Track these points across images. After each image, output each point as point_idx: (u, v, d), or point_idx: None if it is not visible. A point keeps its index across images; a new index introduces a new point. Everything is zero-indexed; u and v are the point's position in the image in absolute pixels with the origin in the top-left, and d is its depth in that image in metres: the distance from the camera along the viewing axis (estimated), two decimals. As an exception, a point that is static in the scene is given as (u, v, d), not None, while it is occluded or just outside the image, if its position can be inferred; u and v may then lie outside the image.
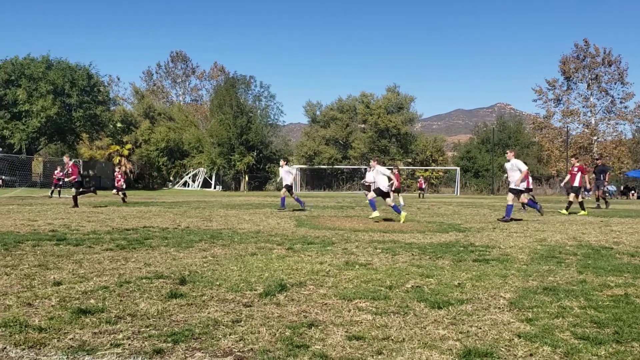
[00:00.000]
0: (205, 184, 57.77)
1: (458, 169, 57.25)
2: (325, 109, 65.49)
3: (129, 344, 3.52)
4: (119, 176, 23.95)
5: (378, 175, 13.60)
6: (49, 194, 28.92)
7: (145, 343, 3.55)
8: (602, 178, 21.69)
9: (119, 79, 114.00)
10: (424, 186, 41.32)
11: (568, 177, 18.44)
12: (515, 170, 13.86)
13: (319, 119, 64.99)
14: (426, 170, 59.98)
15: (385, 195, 13.50)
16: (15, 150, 44.16)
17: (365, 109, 61.39)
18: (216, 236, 9.45)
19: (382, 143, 60.22)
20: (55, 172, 31.19)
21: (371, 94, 63.11)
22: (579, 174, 17.81)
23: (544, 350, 3.56)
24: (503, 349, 3.58)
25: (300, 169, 60.42)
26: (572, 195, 18.05)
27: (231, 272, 6.04)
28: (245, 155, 55.22)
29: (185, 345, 3.53)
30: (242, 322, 4.07)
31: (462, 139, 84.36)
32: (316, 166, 60.62)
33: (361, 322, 4.13)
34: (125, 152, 59.45)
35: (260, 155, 58.52)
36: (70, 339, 3.59)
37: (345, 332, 3.88)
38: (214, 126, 56.60)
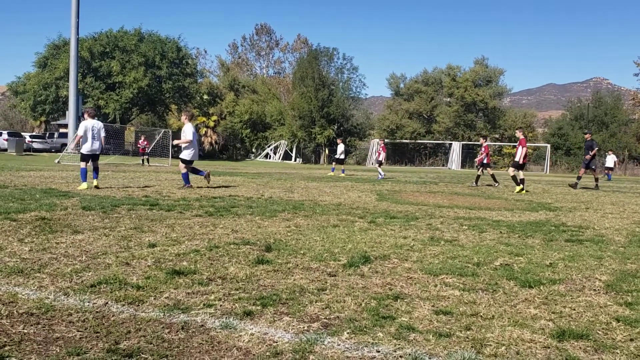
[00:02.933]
0: (286, 156, 58.62)
1: (548, 146, 54.63)
2: (409, 81, 64.24)
3: (221, 305, 3.65)
4: None
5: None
6: (141, 163, 30.41)
7: (236, 305, 3.66)
8: (589, 154, 19.24)
9: (206, 51, 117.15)
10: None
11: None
12: (184, 134, 13.12)
13: (402, 91, 63.90)
14: (514, 146, 57.81)
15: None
16: (109, 119, 46.62)
17: (451, 82, 59.65)
18: (298, 207, 9.57)
19: (468, 117, 58.49)
20: (139, 141, 32.66)
21: (458, 67, 61.21)
22: (520, 147, 16.15)
23: (646, 336, 3.35)
24: (600, 332, 3.40)
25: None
26: (511, 169, 16.46)
27: (314, 242, 6.11)
28: (326, 129, 55.39)
29: (274, 309, 3.61)
30: (328, 290, 4.11)
31: (553, 114, 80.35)
32: (398, 140, 59.91)
33: (448, 298, 4.06)
34: (211, 124, 61.31)
35: (341, 128, 58.48)
36: (165, 298, 3.77)
37: (432, 306, 3.82)
38: (295, 99, 57.05)
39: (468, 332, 3.32)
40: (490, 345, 3.12)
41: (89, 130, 11.88)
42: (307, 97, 55.24)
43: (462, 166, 53.52)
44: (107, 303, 3.60)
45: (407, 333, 3.26)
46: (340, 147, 26.27)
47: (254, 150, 63.51)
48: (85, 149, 11.95)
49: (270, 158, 58.66)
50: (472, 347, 3.08)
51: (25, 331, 3.05)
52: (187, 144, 13.03)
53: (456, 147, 55.14)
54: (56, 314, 3.35)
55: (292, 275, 4.52)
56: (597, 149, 19.53)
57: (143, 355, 2.78)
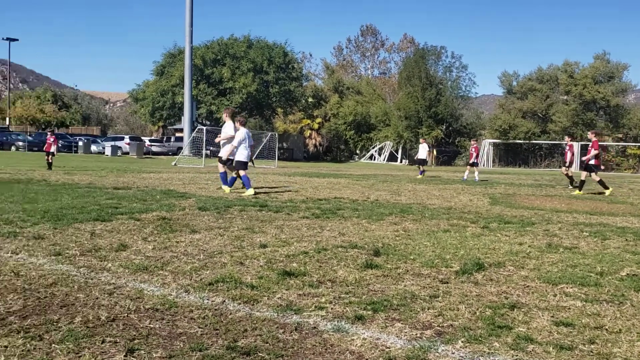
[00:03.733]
0: (392, 157, 58.24)
1: (680, 146, 50.07)
2: (522, 79, 61.50)
3: (332, 308, 3.68)
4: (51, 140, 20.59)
5: None
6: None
7: (347, 309, 3.68)
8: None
9: (311, 55, 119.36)
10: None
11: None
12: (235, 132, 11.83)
13: (515, 90, 61.30)
14: (639, 147, 53.48)
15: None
16: (221, 124, 48.76)
17: (568, 78, 56.33)
18: (406, 210, 9.45)
19: (587, 116, 54.88)
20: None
21: (576, 63, 57.70)
22: (592, 150, 15.35)
23: None
24: None
25: (494, 143, 57.91)
26: (591, 174, 15.40)
27: (424, 247, 6.00)
28: (434, 129, 54.37)
29: (385, 314, 3.58)
30: (440, 297, 4.02)
31: (685, 111, 73.32)
32: (511, 141, 57.51)
33: (569, 308, 3.82)
34: (315, 126, 62.32)
35: (450, 128, 57.20)
36: (278, 298, 3.86)
37: (551, 317, 3.62)
38: (401, 99, 56.53)
39: (592, 346, 3.10)
40: (620, 362, 2.90)
41: (245, 139, 11.76)
42: (414, 97, 54.56)
43: (581, 168, 50.40)
44: (224, 301, 3.75)
45: (525, 344, 3.11)
46: (423, 148, 25.06)
47: (358, 151, 63.72)
48: (243, 156, 11.80)
49: (374, 159, 58.57)
50: (599, 363, 2.88)
51: (152, 326, 3.25)
52: (237, 145, 11.89)
53: (575, 148, 51.99)
54: (178, 310, 3.55)
55: (403, 281, 4.46)
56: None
57: (260, 354, 2.87)
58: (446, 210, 9.71)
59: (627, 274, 4.91)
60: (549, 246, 6.24)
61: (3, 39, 60.87)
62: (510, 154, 58.86)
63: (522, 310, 3.76)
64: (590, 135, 16.12)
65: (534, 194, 14.69)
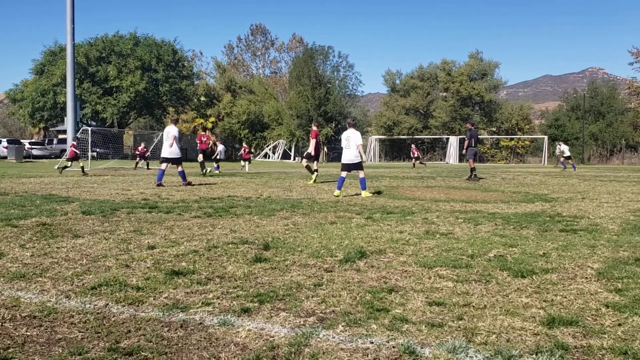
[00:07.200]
0: (285, 155, 58.68)
1: (545, 137, 54.73)
2: (405, 77, 64.33)
3: (219, 303, 3.73)
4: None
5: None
6: (134, 167, 29.92)
7: (234, 302, 3.75)
8: (472, 144, 18.38)
9: (201, 53, 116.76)
10: (416, 154, 37.49)
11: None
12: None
13: (398, 88, 63.99)
14: (511, 139, 57.87)
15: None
16: (107, 124, 46.69)
17: (446, 76, 59.72)
18: (296, 205, 9.65)
19: (464, 111, 58.54)
20: (139, 147, 32.18)
21: (453, 61, 61.26)
22: (312, 140, 16.34)
23: (633, 320, 3.44)
24: (589, 318, 3.49)
25: (379, 139, 60.06)
26: (304, 160, 16.85)
27: (312, 239, 6.19)
28: (324, 127, 55.46)
29: (271, 305, 3.70)
30: (324, 286, 4.20)
31: (550, 106, 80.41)
32: (395, 137, 60.00)
33: (442, 289, 4.14)
34: (209, 125, 61.37)
35: (339, 126, 58.61)
36: (165, 298, 3.85)
37: (426, 298, 3.91)
38: (292, 98, 57.14)
39: (460, 322, 3.40)
40: (481, 333, 3.20)
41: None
42: (304, 96, 55.32)
43: (460, 160, 53.63)
44: (107, 304, 3.68)
45: (400, 324, 3.34)
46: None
47: (252, 150, 63.47)
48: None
49: (269, 158, 58.69)
50: (463, 336, 3.17)
51: (28, 333, 3.14)
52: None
53: (453, 142, 55.29)
54: (58, 316, 3.44)
55: (289, 272, 4.61)
56: (473, 139, 18.42)
57: (143, 353, 2.87)
58: (334, 204, 10.02)
59: (494, 255, 5.38)
60: (427, 233, 6.68)
61: None
62: (395, 149, 61.57)
63: (399, 293, 4.03)
64: (314, 126, 16.49)
65: (416, 186, 15.51)
